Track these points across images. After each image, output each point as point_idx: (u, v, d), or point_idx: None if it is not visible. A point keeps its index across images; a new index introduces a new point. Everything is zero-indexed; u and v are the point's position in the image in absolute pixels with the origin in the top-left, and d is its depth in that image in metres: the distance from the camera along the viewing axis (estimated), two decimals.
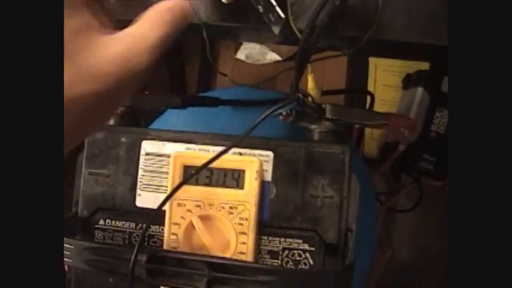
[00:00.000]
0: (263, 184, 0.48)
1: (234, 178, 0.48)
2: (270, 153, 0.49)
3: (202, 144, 0.50)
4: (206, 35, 0.46)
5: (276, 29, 0.43)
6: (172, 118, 0.71)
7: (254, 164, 0.47)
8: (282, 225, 0.48)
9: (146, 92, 0.58)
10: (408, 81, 1.02)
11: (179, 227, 0.48)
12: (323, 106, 0.52)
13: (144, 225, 0.50)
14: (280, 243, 0.49)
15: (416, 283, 1.24)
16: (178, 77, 1.12)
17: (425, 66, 1.03)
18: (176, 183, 0.48)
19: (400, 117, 0.57)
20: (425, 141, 0.96)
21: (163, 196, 0.50)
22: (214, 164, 0.46)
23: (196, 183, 0.48)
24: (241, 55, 0.55)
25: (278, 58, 0.53)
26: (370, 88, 1.06)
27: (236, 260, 0.44)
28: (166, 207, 0.48)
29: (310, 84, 0.51)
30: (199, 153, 0.49)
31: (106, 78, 0.30)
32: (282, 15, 0.40)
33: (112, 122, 0.55)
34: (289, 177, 0.48)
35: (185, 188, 0.47)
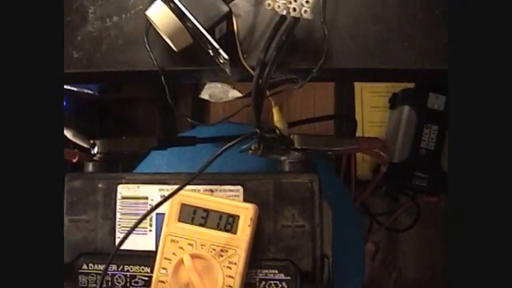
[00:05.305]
0: None
1: (228, 222, 0.49)
2: (240, 188, 0.50)
3: (174, 184, 0.51)
4: (164, 81, 0.48)
5: (227, 70, 0.44)
6: (156, 160, 0.72)
7: (249, 211, 0.48)
8: (257, 257, 0.49)
9: (123, 137, 0.59)
10: (395, 101, 1.03)
11: (170, 262, 0.49)
12: (291, 137, 0.53)
13: (124, 266, 0.51)
14: (256, 275, 0.49)
15: None
16: (168, 119, 1.15)
17: (410, 84, 1.04)
18: (172, 220, 0.49)
19: (369, 139, 0.57)
20: (416, 158, 0.97)
21: (142, 237, 0.52)
22: (211, 206, 0.49)
23: (192, 223, 0.49)
24: (205, 95, 0.57)
25: (239, 95, 0.55)
26: (358, 111, 1.07)
27: None
28: (160, 242, 0.50)
29: (276, 117, 0.53)
30: (195, 193, 0.50)
31: None
32: (226, 56, 0.42)
33: (90, 168, 0.56)
34: (260, 209, 0.49)
35: (180, 225, 0.49)
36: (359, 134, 1.05)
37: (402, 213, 1.13)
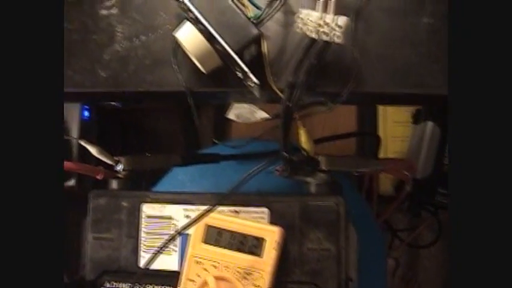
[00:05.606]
0: None
1: (253, 245, 0.48)
2: (266, 210, 0.50)
3: (199, 205, 0.51)
4: (192, 101, 0.47)
5: (257, 93, 0.44)
6: (180, 175, 0.72)
7: (275, 234, 0.48)
8: (281, 280, 0.49)
9: (148, 154, 0.59)
10: (418, 116, 1.02)
11: (194, 284, 0.49)
12: (318, 158, 0.52)
13: (146, 285, 0.51)
14: None
15: None
16: (191, 135, 1.15)
17: None
18: (197, 241, 0.49)
19: (396, 160, 0.57)
20: (439, 175, 0.96)
21: (165, 257, 0.52)
22: (236, 229, 0.48)
23: (217, 244, 0.49)
24: (231, 115, 0.57)
25: (267, 116, 0.55)
26: (380, 125, 1.06)
27: None
28: (184, 263, 0.49)
29: (303, 138, 0.52)
30: (220, 215, 0.50)
31: None
32: (256, 81, 0.42)
33: (114, 185, 0.56)
34: (285, 231, 0.49)
35: (205, 247, 0.49)
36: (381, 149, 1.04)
37: (424, 230, 1.11)
